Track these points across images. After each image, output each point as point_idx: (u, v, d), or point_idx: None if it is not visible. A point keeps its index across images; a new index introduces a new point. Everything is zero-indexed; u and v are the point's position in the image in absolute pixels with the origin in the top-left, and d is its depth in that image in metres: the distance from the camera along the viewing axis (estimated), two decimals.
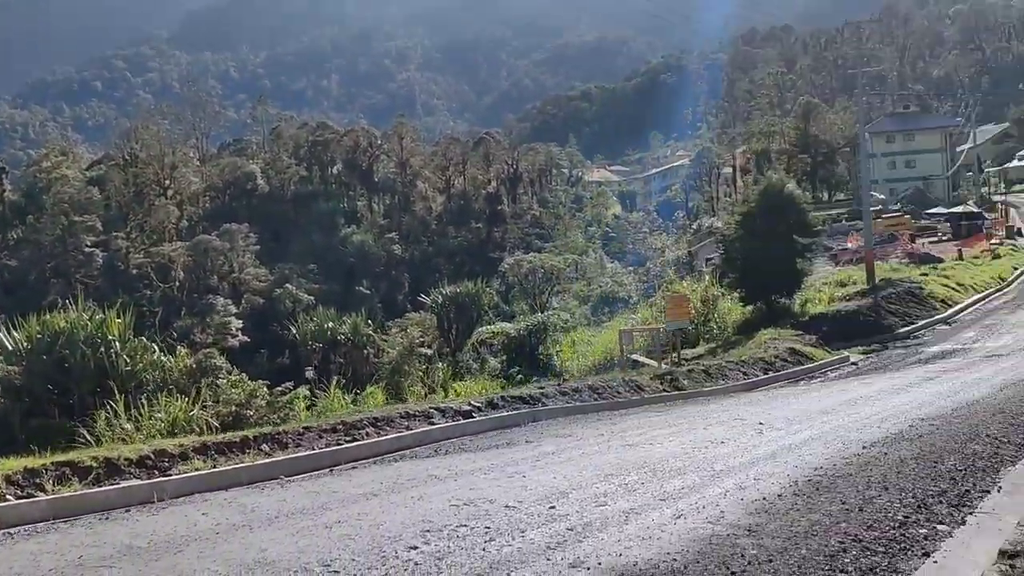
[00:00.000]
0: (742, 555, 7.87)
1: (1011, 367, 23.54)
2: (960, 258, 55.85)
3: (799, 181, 77.94)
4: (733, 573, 7.44)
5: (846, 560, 7.82)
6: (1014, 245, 67.17)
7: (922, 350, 31.85)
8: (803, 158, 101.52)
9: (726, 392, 23.03)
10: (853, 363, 30.75)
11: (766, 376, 26.43)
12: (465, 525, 8.74)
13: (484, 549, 7.98)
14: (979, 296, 46.50)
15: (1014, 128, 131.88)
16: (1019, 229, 77.30)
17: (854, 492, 10.04)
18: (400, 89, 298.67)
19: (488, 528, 8.63)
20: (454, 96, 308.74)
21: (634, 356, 32.45)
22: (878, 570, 7.65)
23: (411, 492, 10.36)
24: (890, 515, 9.18)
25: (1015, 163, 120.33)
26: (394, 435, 14.16)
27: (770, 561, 7.73)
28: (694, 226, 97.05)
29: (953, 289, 45.89)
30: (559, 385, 19.66)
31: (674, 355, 29.99)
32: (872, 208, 63.78)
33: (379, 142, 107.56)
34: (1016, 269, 56.76)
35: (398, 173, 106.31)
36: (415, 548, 8.09)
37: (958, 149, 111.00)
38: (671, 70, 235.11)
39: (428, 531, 8.60)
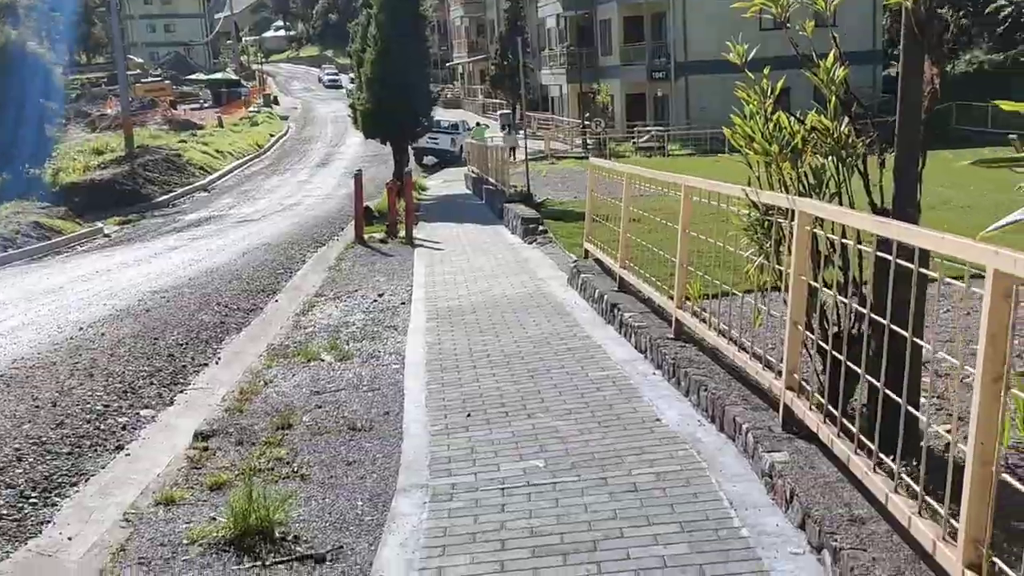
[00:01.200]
0: None
1: (258, 231, 23.93)
2: (220, 125, 56.45)
3: (42, 40, 71.96)
4: None
5: (18, 472, 6.53)
6: (271, 113, 70.02)
7: (180, 218, 31.26)
8: (56, 15, 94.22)
9: None
10: (106, 235, 29.03)
11: (4, 254, 23.63)
12: None
13: None
14: (238, 163, 47.47)
15: None
16: (275, 98, 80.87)
17: (52, 384, 8.75)
18: None
19: None
20: None
21: None
22: (57, 476, 6.52)
23: None
24: (88, 407, 8.08)
25: (271, 33, 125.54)
26: None
27: None
28: None
29: (212, 156, 46.12)
30: None
31: None
32: (131, 73, 61.52)
33: None
34: (273, 136, 59.18)
35: None
36: None
37: (216, 16, 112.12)
38: None
39: None
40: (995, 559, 3.15)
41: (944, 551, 3.41)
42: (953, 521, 3.39)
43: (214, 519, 5.32)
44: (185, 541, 5.10)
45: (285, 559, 4.81)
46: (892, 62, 46.99)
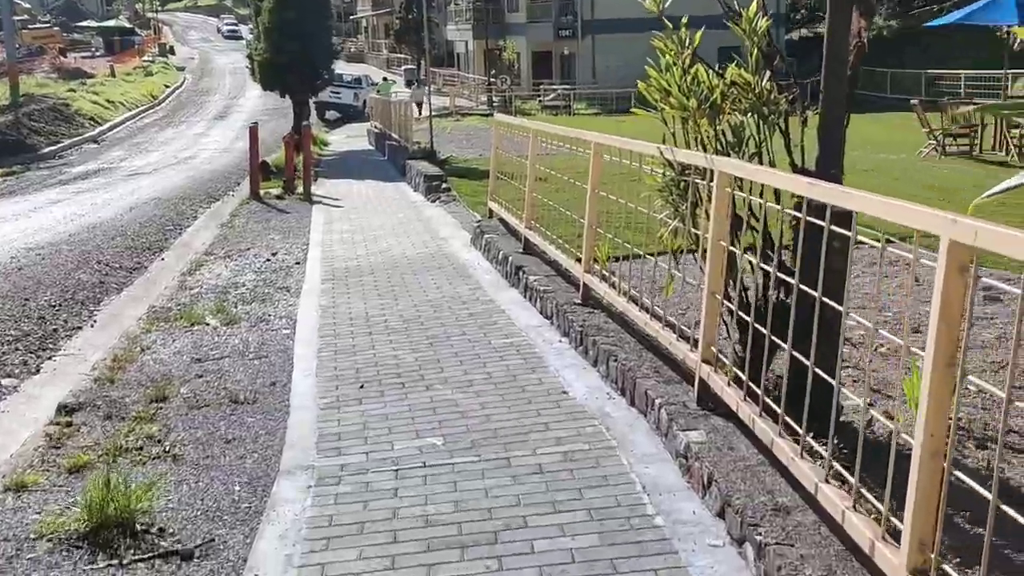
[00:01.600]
0: None
1: (149, 185, 22.82)
2: (112, 75, 54.17)
3: None
4: None
5: None
6: (166, 63, 67.57)
7: (66, 171, 29.73)
8: None
9: None
10: None
11: None
12: None
13: None
14: (131, 114, 45.65)
15: None
16: (172, 47, 78.11)
17: None
18: None
19: None
20: None
21: None
22: None
23: None
24: None
25: None
26: None
27: None
28: None
29: (103, 106, 44.16)
30: None
31: None
32: (18, 18, 58.59)
33: None
34: (168, 87, 57.11)
35: None
36: None
37: None
38: None
39: None
40: (945, 566, 2.80)
41: (884, 553, 3.04)
42: (895, 519, 3.03)
43: (68, 508, 4.73)
44: (33, 535, 4.48)
45: (146, 556, 4.23)
46: (794, 27, 47.43)
